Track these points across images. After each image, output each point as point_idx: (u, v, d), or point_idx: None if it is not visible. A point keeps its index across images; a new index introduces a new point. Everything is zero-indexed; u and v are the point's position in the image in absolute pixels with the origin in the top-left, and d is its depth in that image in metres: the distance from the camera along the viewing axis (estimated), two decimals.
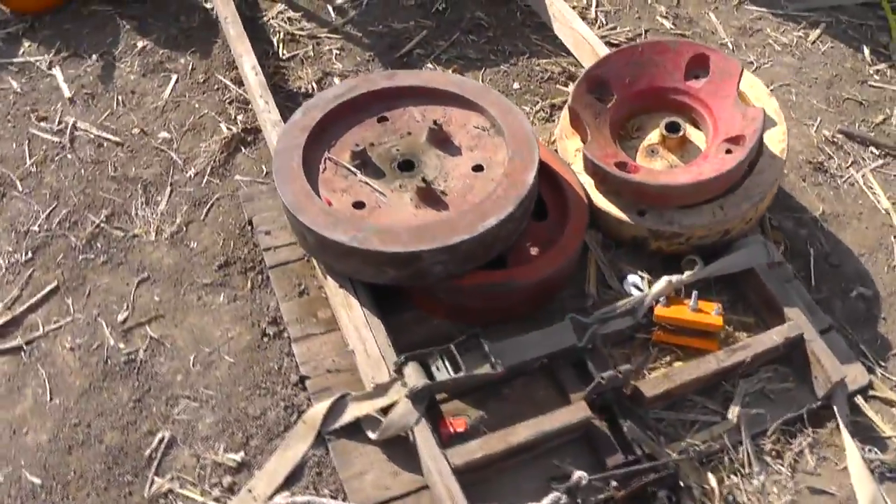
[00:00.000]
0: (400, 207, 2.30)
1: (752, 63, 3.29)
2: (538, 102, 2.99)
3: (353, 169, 2.39)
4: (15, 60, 3.08)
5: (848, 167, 2.93)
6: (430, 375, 2.11)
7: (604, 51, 3.00)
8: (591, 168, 2.48)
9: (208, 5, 3.30)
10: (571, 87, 2.71)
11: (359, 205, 2.31)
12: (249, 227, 2.56)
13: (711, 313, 2.30)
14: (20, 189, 2.68)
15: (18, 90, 2.97)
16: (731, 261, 2.46)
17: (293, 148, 2.39)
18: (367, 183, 2.37)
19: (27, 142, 2.81)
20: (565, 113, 2.72)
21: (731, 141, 2.49)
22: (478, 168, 2.40)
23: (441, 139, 2.46)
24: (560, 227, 2.45)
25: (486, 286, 2.27)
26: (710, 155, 2.51)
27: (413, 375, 2.08)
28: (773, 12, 3.58)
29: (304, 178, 2.32)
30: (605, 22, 3.42)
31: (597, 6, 3.49)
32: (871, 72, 3.31)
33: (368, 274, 2.25)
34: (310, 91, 2.96)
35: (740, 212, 2.46)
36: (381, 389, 2.11)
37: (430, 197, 2.30)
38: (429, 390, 2.08)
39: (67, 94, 2.95)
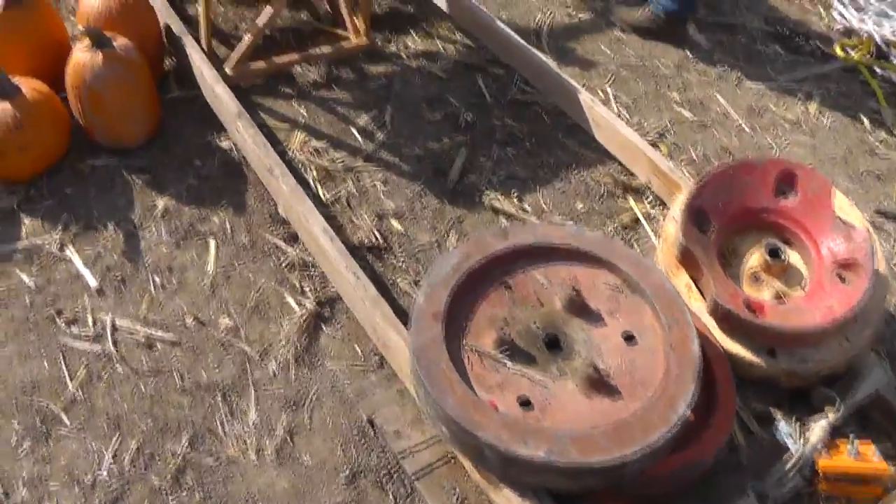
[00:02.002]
0: (569, 399, 2.11)
1: (771, 147, 3.31)
2: (606, 223, 2.84)
3: (503, 360, 2.15)
4: (19, 246, 2.55)
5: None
6: None
7: (656, 156, 2.91)
8: (722, 314, 2.38)
9: (223, 143, 2.89)
10: (668, 221, 2.60)
11: (525, 403, 2.09)
12: (370, 427, 2.25)
13: (873, 459, 2.27)
14: (68, 424, 2.20)
15: (32, 285, 2.46)
16: (863, 390, 2.45)
17: (433, 344, 2.13)
18: (523, 374, 2.14)
19: (61, 357, 2.33)
20: (662, 246, 2.62)
21: (842, 266, 2.47)
22: (629, 338, 2.24)
23: (578, 306, 2.27)
24: (704, 381, 2.33)
25: (676, 472, 2.13)
26: (824, 283, 2.48)
27: None
28: (769, 86, 3.63)
29: (461, 383, 2.07)
30: (628, 116, 3.32)
31: (615, 100, 3.39)
32: (875, 142, 3.43)
33: (562, 484, 2.05)
34: (375, 242, 2.66)
35: (864, 339, 2.46)
36: None
37: (599, 383, 2.12)
38: None
39: (93, 282, 2.48)
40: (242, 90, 3.06)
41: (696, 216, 2.57)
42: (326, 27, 3.50)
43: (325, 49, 3.28)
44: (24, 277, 2.48)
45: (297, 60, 3.21)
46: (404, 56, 3.44)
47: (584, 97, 3.10)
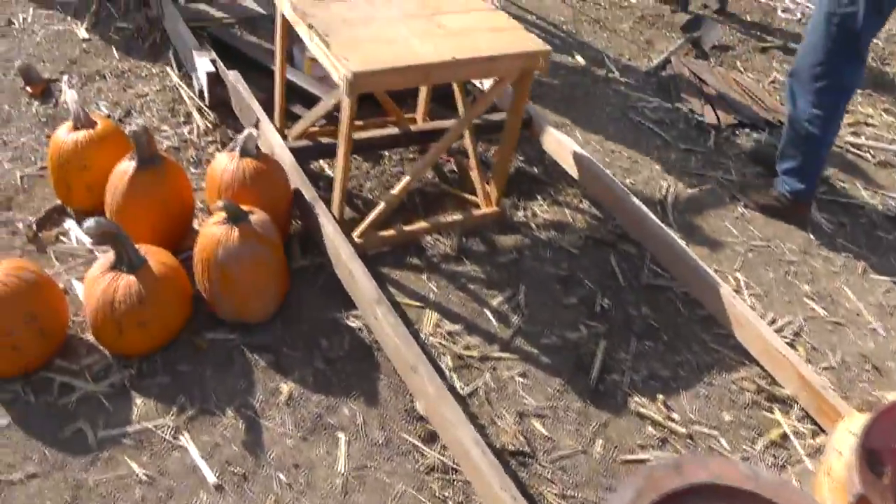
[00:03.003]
0: None
1: None
2: (756, 439, 2.63)
3: None
4: (130, 430, 2.31)
5: None
6: None
7: (804, 368, 2.72)
8: None
9: (352, 322, 2.69)
10: (838, 455, 2.39)
11: None
12: None
13: None
14: None
15: (143, 476, 2.21)
16: None
17: None
18: None
19: None
20: (826, 481, 2.40)
21: None
22: None
23: None
24: None
25: None
26: None
27: None
28: (895, 281, 3.47)
29: None
30: (762, 310, 3.14)
31: (746, 289, 3.22)
32: None
33: None
34: (518, 447, 2.43)
35: None
36: None
37: None
38: None
39: (211, 477, 2.24)
40: (369, 259, 2.88)
41: (869, 458, 2.37)
42: (454, 190, 3.35)
43: (455, 217, 3.11)
44: (135, 467, 2.23)
45: (427, 230, 3.04)
46: (533, 226, 3.28)
47: (725, 292, 2.92)
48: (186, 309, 2.57)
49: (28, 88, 3.47)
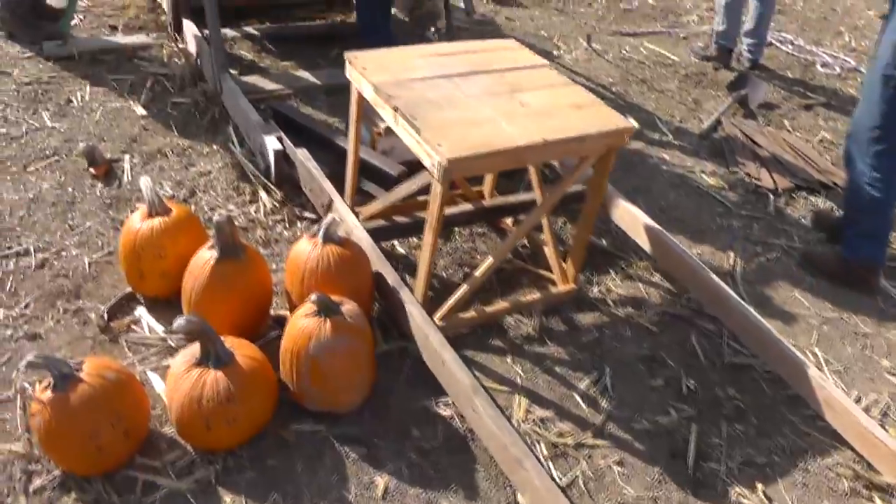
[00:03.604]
0: None
1: None
2: None
3: None
4: None
5: None
6: None
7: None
8: None
9: (442, 411, 2.62)
10: None
11: None
12: None
13: None
14: None
15: None
16: None
17: None
18: None
19: None
20: None
21: None
22: None
23: None
24: None
25: None
26: None
27: None
28: None
29: None
30: (843, 387, 3.07)
31: (826, 366, 3.15)
32: None
33: None
34: None
35: None
36: None
37: None
38: None
39: None
40: (451, 342, 2.80)
41: None
42: (529, 266, 3.29)
43: (534, 296, 3.05)
44: None
45: (507, 310, 2.98)
46: (610, 303, 3.21)
47: (813, 373, 2.83)
48: (273, 402, 2.49)
49: (92, 170, 3.41)
